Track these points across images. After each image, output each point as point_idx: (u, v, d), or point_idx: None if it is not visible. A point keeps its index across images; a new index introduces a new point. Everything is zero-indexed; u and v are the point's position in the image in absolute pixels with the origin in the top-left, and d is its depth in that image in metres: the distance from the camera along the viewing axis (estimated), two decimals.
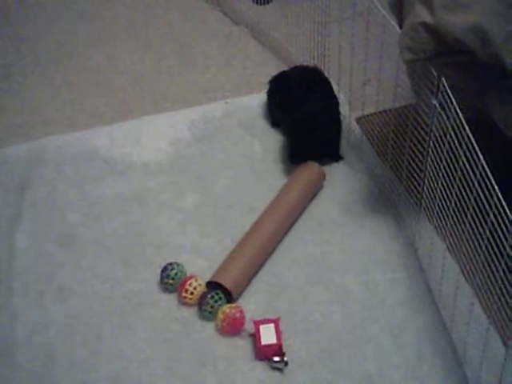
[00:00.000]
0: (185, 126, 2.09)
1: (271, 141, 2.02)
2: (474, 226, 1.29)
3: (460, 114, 1.30)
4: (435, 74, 1.40)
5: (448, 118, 1.35)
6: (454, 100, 1.33)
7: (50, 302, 1.64)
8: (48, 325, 1.59)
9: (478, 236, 1.28)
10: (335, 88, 1.98)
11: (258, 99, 2.10)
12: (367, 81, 1.81)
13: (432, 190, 1.50)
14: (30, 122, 2.16)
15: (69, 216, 1.84)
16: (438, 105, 1.40)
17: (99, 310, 1.62)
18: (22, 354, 1.54)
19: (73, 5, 2.66)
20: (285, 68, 2.18)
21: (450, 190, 1.38)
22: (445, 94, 1.36)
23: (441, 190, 1.43)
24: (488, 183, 1.20)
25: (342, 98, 2.00)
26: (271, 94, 2.07)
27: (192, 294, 1.60)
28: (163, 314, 1.61)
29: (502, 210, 1.16)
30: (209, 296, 1.58)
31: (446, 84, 1.35)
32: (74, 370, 1.51)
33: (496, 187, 1.19)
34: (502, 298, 1.26)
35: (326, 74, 2.00)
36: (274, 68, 2.27)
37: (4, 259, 1.73)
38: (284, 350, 1.49)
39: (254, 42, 2.43)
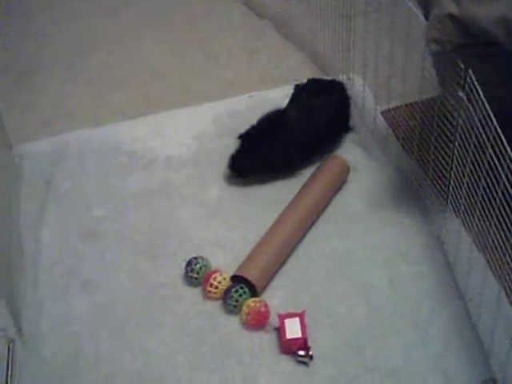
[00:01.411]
0: (209, 119, 2.09)
1: None
2: (501, 219, 1.28)
3: (487, 107, 1.29)
4: (462, 66, 1.38)
5: (475, 110, 1.33)
6: (481, 92, 1.31)
7: (74, 296, 1.65)
8: (73, 318, 1.60)
9: (506, 230, 1.26)
10: (359, 82, 1.97)
11: (282, 93, 2.09)
12: (393, 73, 1.80)
13: (458, 184, 1.48)
14: (54, 117, 2.17)
15: (93, 210, 1.85)
16: (465, 97, 1.38)
17: (124, 304, 1.62)
18: (48, 347, 1.54)
19: (94, 0, 2.67)
20: (309, 63, 2.17)
21: (476, 183, 1.37)
22: (472, 86, 1.34)
23: (467, 184, 1.42)
24: None
25: (367, 92, 1.99)
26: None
27: (216, 288, 1.60)
28: (188, 308, 1.60)
29: None
30: (233, 290, 1.57)
31: (473, 76, 1.34)
32: (99, 363, 1.51)
33: None
34: None
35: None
36: (298, 61, 2.27)
37: (29, 253, 1.74)
38: (309, 344, 1.49)
39: (278, 35, 2.42)
